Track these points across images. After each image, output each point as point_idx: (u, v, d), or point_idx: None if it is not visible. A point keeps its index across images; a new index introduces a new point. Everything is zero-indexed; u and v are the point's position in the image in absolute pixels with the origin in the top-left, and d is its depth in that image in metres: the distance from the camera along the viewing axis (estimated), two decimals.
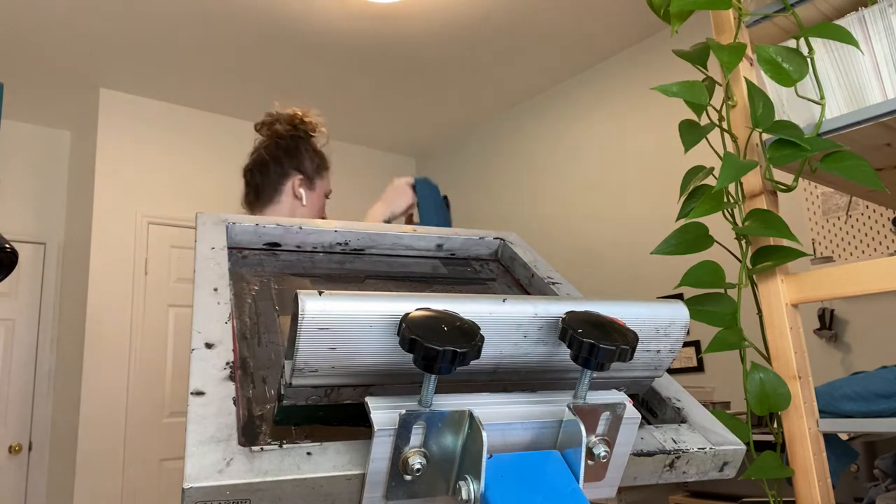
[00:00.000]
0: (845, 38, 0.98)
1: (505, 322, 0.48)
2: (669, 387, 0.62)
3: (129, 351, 3.55)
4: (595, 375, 0.51)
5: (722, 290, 1.06)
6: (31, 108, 3.84)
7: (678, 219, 1.10)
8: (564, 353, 0.50)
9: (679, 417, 0.58)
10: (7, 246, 1.28)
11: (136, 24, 3.12)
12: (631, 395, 0.52)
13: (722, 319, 1.05)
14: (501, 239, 0.91)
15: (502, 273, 0.87)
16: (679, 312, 0.53)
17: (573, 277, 3.68)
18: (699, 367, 3.07)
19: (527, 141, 4.13)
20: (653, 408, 0.62)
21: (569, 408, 0.47)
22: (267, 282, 0.73)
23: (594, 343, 0.44)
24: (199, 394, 0.48)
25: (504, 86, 3.96)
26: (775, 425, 1.05)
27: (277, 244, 0.81)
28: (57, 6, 2.94)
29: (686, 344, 3.12)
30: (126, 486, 3.42)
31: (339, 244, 0.84)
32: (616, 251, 3.50)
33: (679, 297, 3.14)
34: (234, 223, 0.79)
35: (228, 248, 0.75)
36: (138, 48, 3.32)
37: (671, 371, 3.17)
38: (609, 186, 3.60)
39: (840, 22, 1.06)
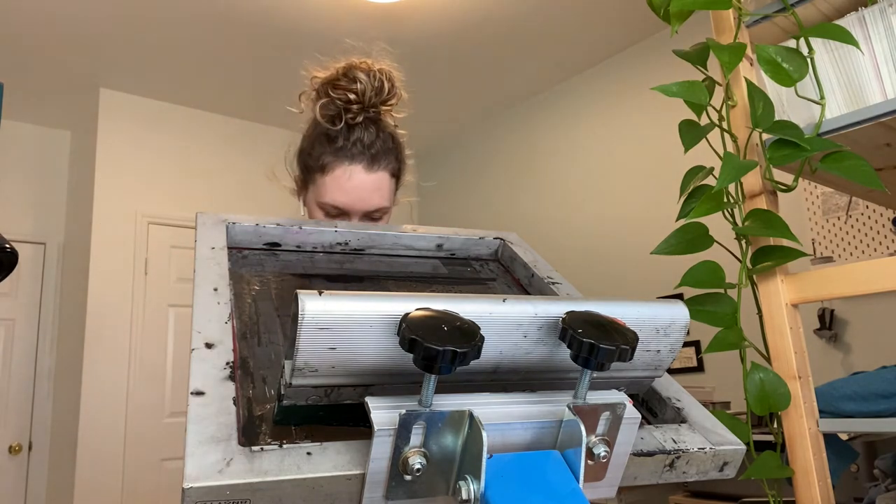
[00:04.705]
0: (845, 38, 0.98)
1: (505, 322, 0.48)
2: (669, 387, 0.62)
3: (129, 351, 3.55)
4: (595, 375, 0.51)
5: (722, 290, 1.06)
6: (31, 108, 3.84)
7: (678, 219, 1.10)
8: (564, 353, 0.50)
9: (679, 417, 0.58)
10: (7, 246, 1.28)
11: (136, 24, 3.12)
12: (631, 395, 0.52)
13: (722, 319, 1.05)
14: (501, 239, 0.91)
15: (502, 273, 0.87)
16: (679, 312, 0.53)
17: (573, 277, 3.68)
18: (699, 367, 3.07)
19: (526, 141, 4.13)
20: (653, 408, 0.62)
21: (569, 408, 0.47)
22: (267, 282, 0.73)
23: (594, 343, 0.44)
24: (199, 394, 0.48)
25: (504, 85, 3.96)
26: (775, 425, 1.05)
27: (277, 244, 0.81)
28: (57, 6, 2.94)
29: (686, 344, 3.12)
30: (126, 486, 3.42)
31: (339, 244, 0.84)
32: (616, 251, 3.50)
33: (679, 297, 3.14)
34: (234, 223, 0.79)
35: (228, 247, 0.75)
36: (138, 48, 3.32)
37: (671, 371, 3.17)
38: (609, 186, 3.60)
39: (840, 22, 1.06)
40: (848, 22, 1.06)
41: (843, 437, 1.61)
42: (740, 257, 1.07)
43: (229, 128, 4.15)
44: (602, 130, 3.68)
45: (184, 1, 2.96)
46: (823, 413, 1.05)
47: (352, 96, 1.03)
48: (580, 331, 0.45)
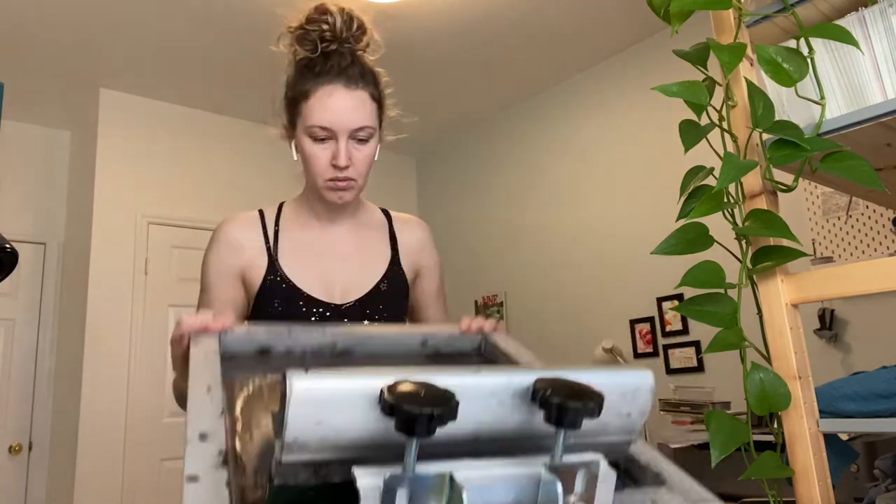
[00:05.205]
0: (845, 38, 0.98)
1: (480, 390, 0.51)
2: (647, 453, 0.64)
3: (129, 351, 3.55)
4: (571, 438, 0.54)
5: (722, 290, 1.06)
6: (31, 108, 3.84)
7: (678, 219, 1.10)
8: (540, 418, 0.52)
9: (659, 480, 0.60)
10: (7, 246, 1.28)
11: (136, 25, 3.12)
12: (613, 464, 0.54)
13: (722, 319, 1.05)
14: (483, 335, 0.95)
15: (486, 364, 0.91)
16: (643, 379, 0.56)
17: (574, 277, 3.68)
18: (699, 367, 3.07)
19: (527, 141, 4.13)
20: (633, 474, 0.64)
21: (545, 467, 0.49)
22: (258, 382, 0.77)
23: (563, 401, 0.48)
24: (194, 479, 0.50)
25: (504, 86, 3.96)
26: (775, 425, 1.05)
27: (268, 350, 0.86)
28: (57, 6, 2.94)
29: (686, 344, 3.12)
30: (126, 486, 3.42)
31: (328, 345, 0.88)
32: (616, 251, 3.50)
33: (679, 297, 3.14)
34: (225, 332, 0.84)
35: (222, 356, 0.79)
36: (138, 48, 3.32)
37: (672, 370, 3.17)
38: (609, 186, 3.60)
39: (840, 22, 1.06)
40: (848, 22, 1.06)
41: (843, 437, 1.61)
42: (740, 257, 1.07)
43: (229, 128, 4.15)
44: (602, 130, 3.68)
45: (184, 1, 2.96)
46: (823, 413, 1.05)
47: (325, 27, 1.11)
48: (549, 392, 0.49)
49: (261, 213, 1.27)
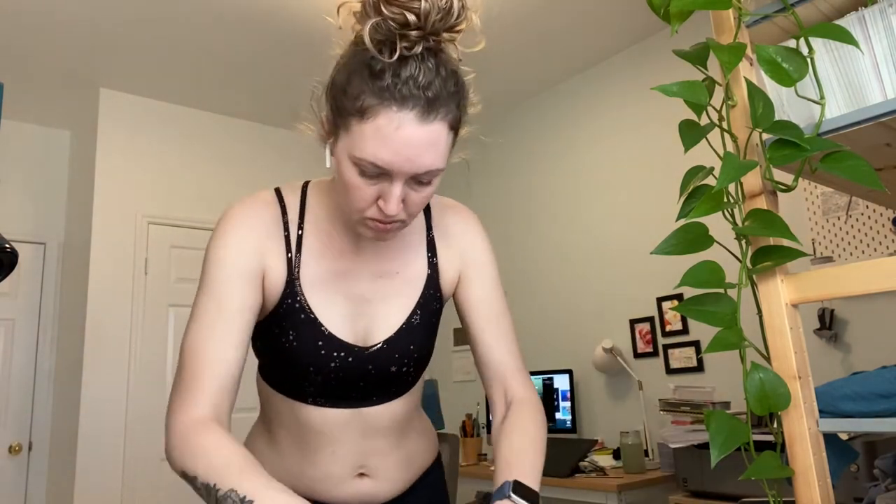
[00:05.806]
0: (845, 38, 0.98)
1: None
2: None
3: (129, 351, 3.55)
4: None
5: (722, 290, 1.06)
6: (31, 108, 3.84)
7: (678, 219, 1.10)
8: None
9: None
10: (7, 246, 1.28)
11: (137, 24, 3.12)
12: None
13: (722, 319, 1.04)
14: None
15: None
16: None
17: (574, 276, 3.68)
18: (699, 367, 3.07)
19: (526, 141, 4.13)
20: None
21: None
22: None
23: None
24: None
25: (503, 86, 3.96)
26: (775, 425, 1.05)
27: None
28: (57, 7, 2.94)
29: (686, 344, 3.12)
30: (126, 486, 3.42)
31: None
32: (616, 251, 3.50)
33: (679, 297, 3.14)
34: None
35: None
36: (138, 48, 3.32)
37: (672, 370, 3.17)
38: (609, 186, 3.60)
39: (840, 22, 1.06)
40: (848, 22, 1.06)
41: (843, 437, 1.61)
42: (740, 257, 1.07)
43: (230, 128, 4.15)
44: (601, 131, 3.68)
45: (184, 1, 2.96)
46: (823, 413, 1.05)
47: (411, 17, 0.77)
48: None
49: (280, 200, 0.99)
